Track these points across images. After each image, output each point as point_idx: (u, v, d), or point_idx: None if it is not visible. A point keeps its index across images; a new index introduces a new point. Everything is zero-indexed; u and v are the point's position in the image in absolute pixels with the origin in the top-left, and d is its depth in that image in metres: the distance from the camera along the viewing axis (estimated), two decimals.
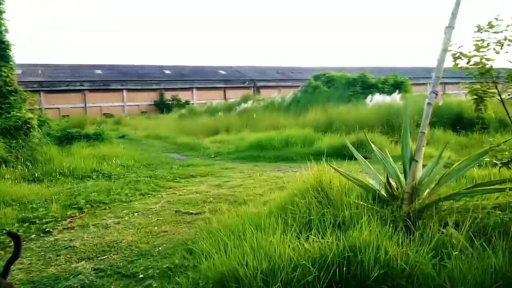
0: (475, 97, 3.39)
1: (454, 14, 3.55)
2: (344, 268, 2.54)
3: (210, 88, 43.99)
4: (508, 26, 2.91)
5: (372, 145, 4.18)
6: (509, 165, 3.20)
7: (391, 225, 2.92)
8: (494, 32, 3.00)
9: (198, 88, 43.49)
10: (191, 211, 4.96)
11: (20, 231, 4.34)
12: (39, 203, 5.39)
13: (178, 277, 2.88)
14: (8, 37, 10.58)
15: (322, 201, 3.53)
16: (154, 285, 2.92)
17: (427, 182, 3.50)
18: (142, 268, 3.29)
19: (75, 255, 3.67)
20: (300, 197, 3.69)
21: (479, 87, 3.35)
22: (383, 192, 3.60)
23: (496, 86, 3.17)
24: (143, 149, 12.53)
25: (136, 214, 4.98)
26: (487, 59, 3.09)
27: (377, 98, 14.66)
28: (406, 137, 3.80)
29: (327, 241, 2.72)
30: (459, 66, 3.23)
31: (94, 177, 7.49)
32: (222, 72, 48.91)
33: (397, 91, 17.48)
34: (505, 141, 3.41)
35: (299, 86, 28.45)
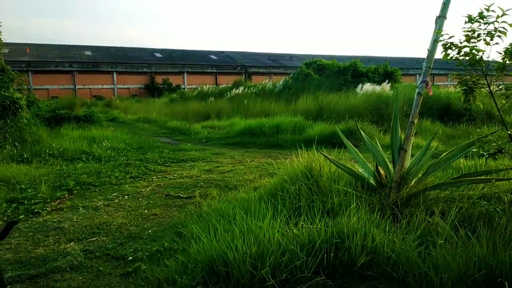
0: (464, 87, 3.43)
1: (445, 4, 3.56)
2: (332, 254, 2.60)
3: (201, 73, 43.58)
4: (498, 17, 2.92)
5: (362, 134, 4.22)
6: (495, 156, 3.27)
7: (379, 212, 2.98)
8: (485, 23, 3.01)
9: (189, 73, 43.06)
10: (181, 195, 4.98)
11: (8, 211, 4.31)
12: (27, 183, 5.34)
13: (167, 260, 2.90)
14: None
15: (311, 188, 3.57)
16: (143, 267, 2.95)
17: (415, 171, 3.56)
18: (131, 250, 3.31)
19: (64, 236, 3.67)
20: (290, 183, 3.73)
21: (469, 78, 3.39)
22: (371, 180, 3.65)
23: (486, 78, 3.21)
24: (133, 132, 12.44)
25: (126, 197, 4.98)
26: (478, 50, 3.11)
27: (368, 87, 14.69)
28: (395, 126, 3.84)
29: (316, 227, 2.76)
30: (449, 56, 3.25)
31: (84, 159, 7.43)
32: (213, 57, 48.43)
33: (387, 80, 17.55)
34: (492, 133, 3.47)
35: (290, 73, 28.36)
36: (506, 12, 2.89)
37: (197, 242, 2.86)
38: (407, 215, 3.01)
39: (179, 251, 3.09)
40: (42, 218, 4.20)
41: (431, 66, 3.62)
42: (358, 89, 14.88)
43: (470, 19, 3.07)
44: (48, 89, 34.81)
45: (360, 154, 4.09)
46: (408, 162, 3.61)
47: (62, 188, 5.28)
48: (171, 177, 6.10)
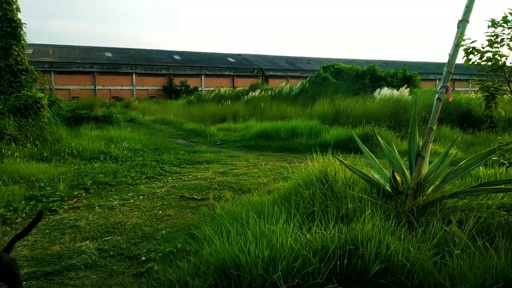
0: (486, 94, 3.35)
1: (468, 7, 3.48)
2: (345, 261, 2.56)
3: (219, 75, 43.87)
4: None
5: (379, 139, 4.16)
6: None
7: (394, 220, 2.92)
8: (509, 28, 2.93)
9: (206, 75, 43.40)
10: (195, 196, 5.00)
11: (27, 208, 4.41)
12: (46, 181, 5.46)
13: (179, 261, 2.91)
14: (20, 15, 10.61)
15: (326, 193, 3.53)
16: (156, 268, 2.96)
17: (432, 178, 3.48)
18: (144, 250, 3.34)
19: (80, 234, 3.73)
20: (304, 187, 3.70)
21: (491, 84, 3.30)
22: (387, 187, 3.59)
23: (509, 84, 3.12)
24: (150, 134, 12.59)
25: (141, 197, 5.04)
26: (501, 55, 3.03)
27: (386, 92, 14.49)
28: (413, 132, 3.77)
29: (329, 233, 2.73)
30: (471, 61, 3.18)
31: (101, 159, 7.55)
32: (231, 59, 48.68)
33: (405, 85, 17.29)
34: None
35: (307, 76, 28.26)
36: None
37: (210, 244, 2.87)
38: (423, 223, 2.95)
39: (191, 253, 3.09)
40: (59, 216, 4.28)
41: (452, 71, 3.54)
42: (376, 93, 14.70)
43: (494, 23, 2.99)
44: (69, 89, 35.61)
45: (376, 160, 4.03)
46: (425, 169, 3.53)
47: (80, 187, 5.37)
48: (185, 178, 6.13)
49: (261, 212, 3.29)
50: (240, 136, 11.36)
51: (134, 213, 4.38)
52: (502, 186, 3.42)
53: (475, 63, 3.18)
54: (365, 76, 20.05)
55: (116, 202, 4.79)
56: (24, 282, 2.77)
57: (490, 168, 4.76)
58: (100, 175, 5.99)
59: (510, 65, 3.04)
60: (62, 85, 35.06)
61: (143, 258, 3.19)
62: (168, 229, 3.86)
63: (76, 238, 3.65)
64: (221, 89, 28.63)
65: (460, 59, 3.38)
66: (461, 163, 3.55)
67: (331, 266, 2.52)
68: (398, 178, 3.51)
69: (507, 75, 3.12)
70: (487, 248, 2.46)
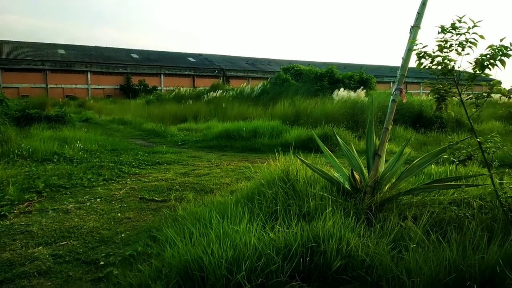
0: (437, 96, 3.52)
1: (420, 14, 3.67)
2: (308, 258, 2.61)
3: (179, 75, 43.23)
4: (469, 28, 3.02)
5: (338, 139, 4.28)
6: (465, 163, 3.37)
7: (354, 217, 3.01)
8: (457, 34, 3.11)
9: (166, 74, 42.63)
10: (156, 198, 4.89)
11: None
12: None
13: (140, 264, 2.83)
14: None
15: (288, 192, 3.58)
16: (115, 272, 2.86)
17: (388, 176, 3.63)
18: (103, 255, 3.22)
19: (32, 240, 3.53)
20: (267, 187, 3.73)
21: (441, 86, 3.49)
22: (347, 185, 3.70)
23: (457, 87, 3.31)
24: (107, 134, 12.17)
25: (98, 199, 4.85)
26: (450, 60, 3.20)
27: (343, 94, 14.93)
28: (370, 132, 3.91)
29: (292, 231, 2.77)
30: (423, 65, 3.34)
31: (54, 160, 7.19)
32: (191, 59, 48.13)
33: (362, 87, 17.91)
34: (463, 140, 3.58)
35: (268, 77, 28.55)
36: (476, 24, 3.00)
37: (172, 246, 2.81)
38: (381, 219, 3.06)
39: (153, 256, 3.02)
40: (9, 221, 4.02)
41: (405, 74, 3.71)
42: (335, 95, 15.10)
43: (443, 30, 3.16)
44: (18, 87, 33.67)
45: (336, 159, 4.14)
46: (382, 167, 3.68)
47: (31, 190, 5.09)
48: (145, 180, 5.99)
49: (224, 212, 3.28)
50: (202, 136, 11.26)
51: (91, 216, 4.21)
52: (453, 183, 3.63)
53: (427, 67, 3.34)
54: (324, 78, 20.54)
55: (71, 206, 4.58)
56: None
57: (441, 166, 5.04)
58: (53, 178, 5.71)
59: (459, 69, 3.22)
60: (10, 83, 33.09)
61: (102, 262, 3.07)
62: (128, 232, 3.75)
63: (28, 244, 3.45)
64: (182, 88, 28.25)
65: (412, 63, 3.55)
66: (415, 162, 3.73)
67: (294, 264, 2.56)
68: (356, 176, 3.63)
69: (455, 79, 3.30)
70: (440, 241, 2.59)
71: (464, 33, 3.06)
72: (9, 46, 37.44)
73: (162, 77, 42.15)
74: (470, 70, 3.14)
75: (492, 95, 3.21)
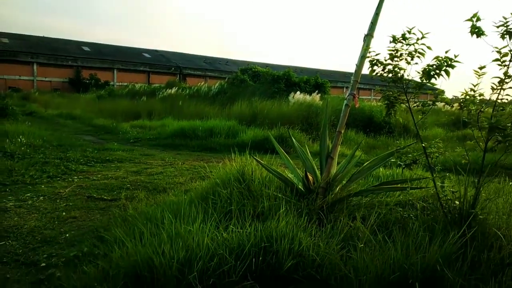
0: (387, 102, 3.69)
1: (373, 23, 3.82)
2: (260, 258, 2.61)
3: (133, 71, 41.96)
4: (418, 39, 3.20)
5: (293, 141, 4.34)
6: (411, 167, 3.55)
7: (306, 217, 3.07)
8: (407, 44, 3.27)
9: (119, 69, 41.20)
10: (105, 197, 4.69)
11: None
12: None
13: (86, 266, 2.70)
14: None
15: (243, 192, 3.57)
16: (58, 274, 2.71)
17: (340, 178, 3.74)
18: (45, 256, 3.03)
19: None
20: (222, 187, 3.70)
21: (391, 93, 3.65)
22: (300, 186, 3.76)
23: (406, 94, 3.48)
24: (54, 129, 11.52)
25: (41, 197, 4.57)
26: (400, 68, 3.36)
27: (299, 97, 15.25)
28: (324, 134, 4.01)
29: (246, 231, 2.77)
30: (375, 72, 3.48)
31: None
32: (147, 55, 46.92)
33: (317, 91, 18.42)
34: (409, 145, 3.77)
35: (226, 77, 28.45)
36: (425, 35, 3.17)
37: (121, 247, 2.70)
38: (331, 219, 3.14)
39: (100, 257, 2.89)
40: None
41: (359, 80, 3.85)
42: (291, 97, 15.38)
43: (394, 39, 3.31)
44: None
45: (290, 160, 4.20)
46: (334, 169, 3.78)
47: None
48: (94, 177, 5.73)
49: (177, 212, 3.21)
50: (156, 134, 10.99)
51: (33, 215, 3.96)
52: (399, 185, 3.80)
53: (379, 74, 3.48)
54: (281, 81, 20.85)
55: (11, 204, 4.28)
56: None
57: (389, 169, 5.27)
58: None
59: (408, 77, 3.39)
60: None
61: (43, 264, 2.89)
62: (73, 232, 3.56)
63: None
64: (136, 84, 27.45)
65: (365, 69, 3.69)
66: (365, 164, 3.87)
67: (247, 264, 2.56)
68: (310, 177, 3.70)
69: (404, 86, 3.47)
70: (386, 241, 2.70)
71: (413, 44, 3.23)
72: None
73: (115, 72, 40.65)
74: (418, 79, 3.31)
75: (437, 103, 3.41)
